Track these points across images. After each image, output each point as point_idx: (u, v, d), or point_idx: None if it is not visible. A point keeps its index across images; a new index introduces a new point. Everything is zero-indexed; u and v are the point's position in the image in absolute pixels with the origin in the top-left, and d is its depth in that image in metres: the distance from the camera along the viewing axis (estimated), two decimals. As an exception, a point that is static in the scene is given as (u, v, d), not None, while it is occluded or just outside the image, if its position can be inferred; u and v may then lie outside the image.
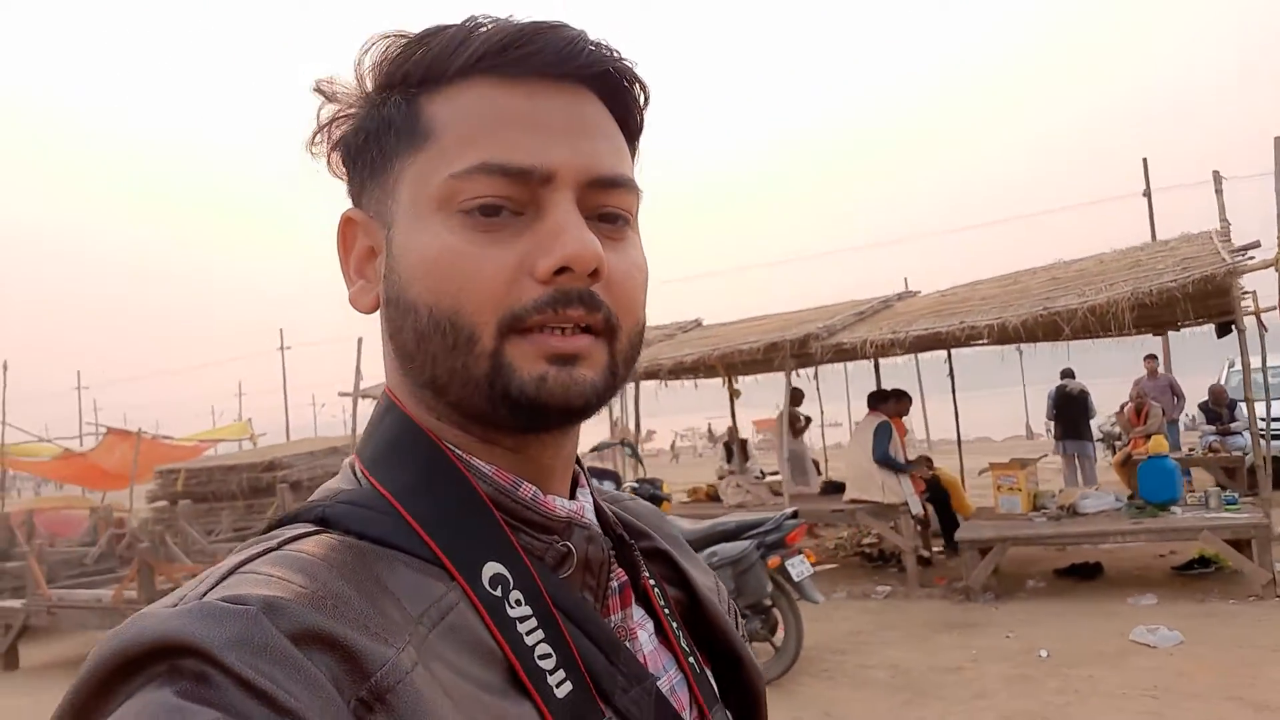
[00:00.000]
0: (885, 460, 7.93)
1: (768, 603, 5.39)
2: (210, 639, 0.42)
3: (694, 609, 0.71)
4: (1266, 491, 7.13)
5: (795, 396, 11.64)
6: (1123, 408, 12.92)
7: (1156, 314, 9.24)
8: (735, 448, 13.84)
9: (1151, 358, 12.99)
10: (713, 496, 9.45)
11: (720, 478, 12.69)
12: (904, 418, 8.74)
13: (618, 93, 0.60)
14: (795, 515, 5.55)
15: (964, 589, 7.26)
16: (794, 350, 7.92)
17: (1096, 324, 7.02)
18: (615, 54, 0.59)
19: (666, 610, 0.67)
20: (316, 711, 0.43)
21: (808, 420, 11.30)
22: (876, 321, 8.19)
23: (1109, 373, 15.18)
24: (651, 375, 9.27)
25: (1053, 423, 11.75)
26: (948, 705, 4.96)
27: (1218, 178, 8.81)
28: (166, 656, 0.43)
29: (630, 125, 0.62)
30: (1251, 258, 6.68)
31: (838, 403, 14.03)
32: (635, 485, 7.66)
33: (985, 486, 9.59)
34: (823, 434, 12.32)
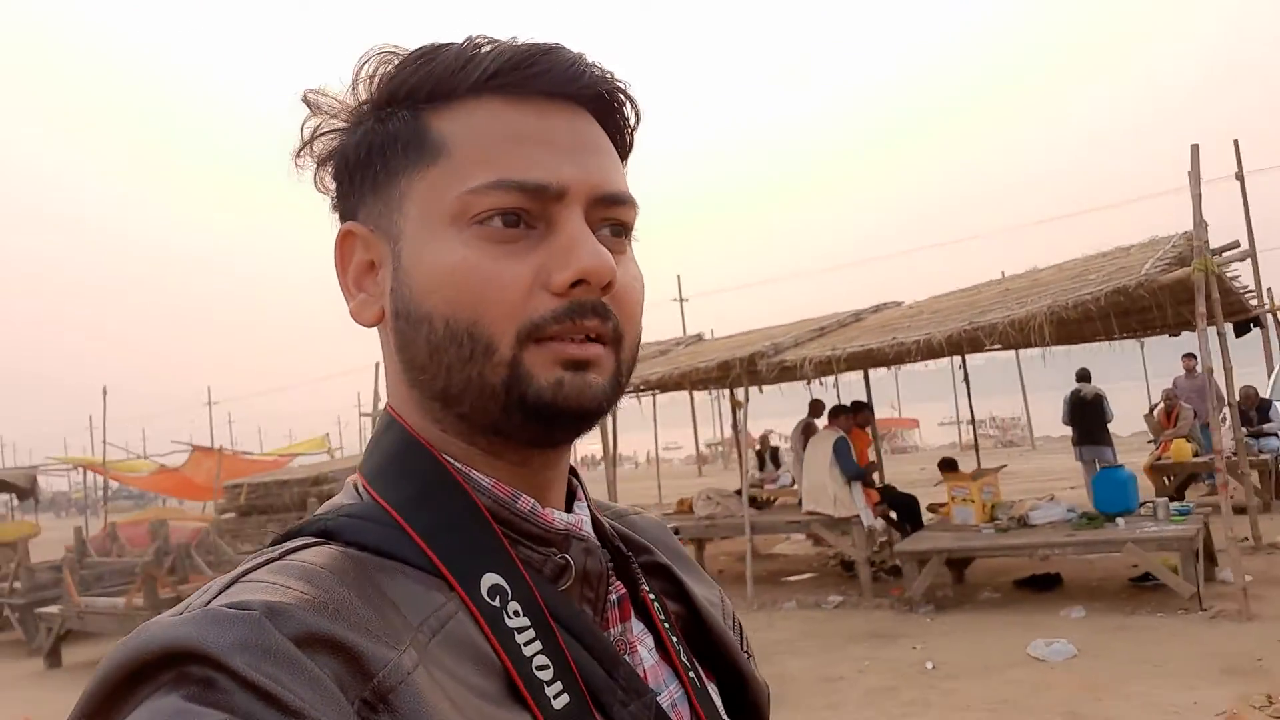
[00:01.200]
0: (858, 477, 8.08)
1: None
2: (215, 644, 0.44)
3: (695, 623, 0.72)
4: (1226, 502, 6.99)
5: (815, 408, 11.81)
6: (1153, 409, 12.53)
7: (1148, 316, 9.07)
8: (766, 456, 14.14)
9: (1190, 356, 12.52)
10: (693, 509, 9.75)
11: (753, 485, 13.04)
12: (865, 428, 8.87)
13: (612, 113, 0.63)
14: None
15: (906, 600, 7.40)
16: (747, 367, 8.18)
17: (1026, 335, 7.04)
18: (612, 75, 0.62)
19: (666, 625, 0.68)
20: (321, 711, 0.43)
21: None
22: (830, 339, 8.37)
23: (1163, 374, 14.63)
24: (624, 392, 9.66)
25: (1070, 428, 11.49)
26: (798, 713, 5.22)
27: (1193, 179, 8.60)
28: (174, 663, 0.44)
29: (621, 144, 0.65)
30: (1176, 265, 6.58)
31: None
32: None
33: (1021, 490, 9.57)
34: (875, 438, 12.41)
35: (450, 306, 0.56)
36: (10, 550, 12.35)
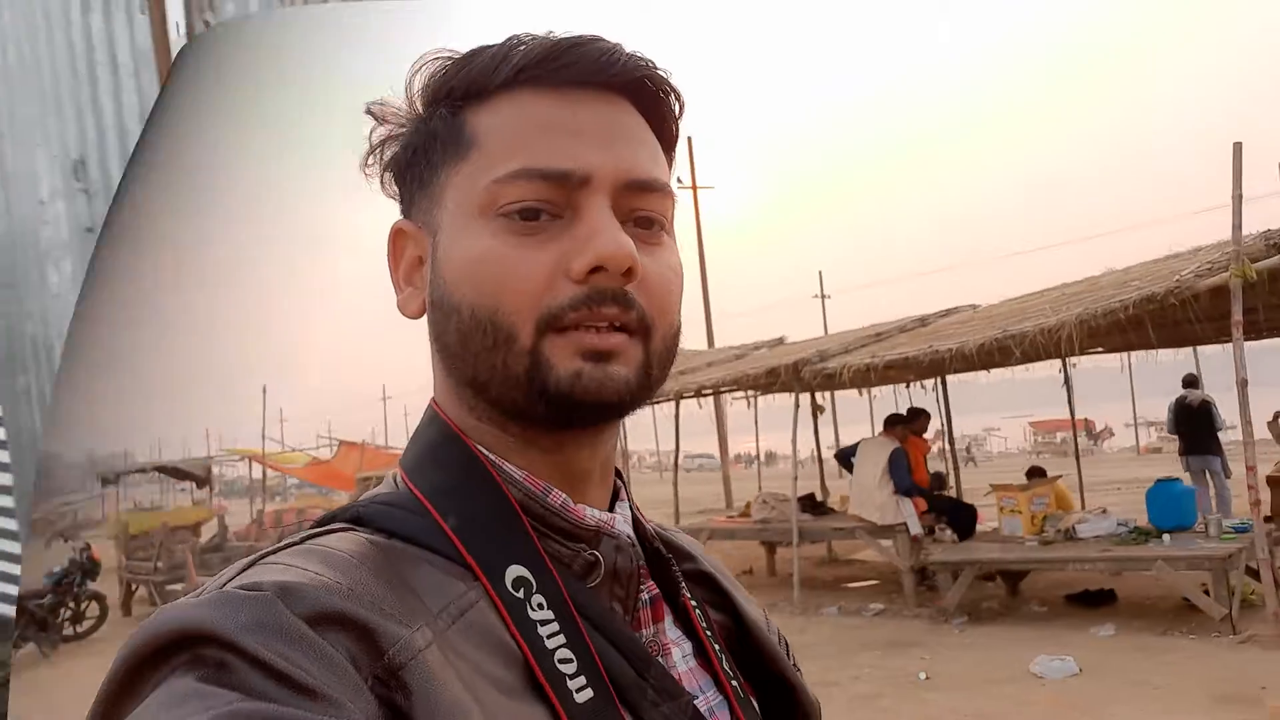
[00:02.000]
0: (910, 491, 8.07)
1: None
2: (227, 625, 0.44)
3: (740, 635, 0.71)
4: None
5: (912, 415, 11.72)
6: (1277, 416, 11.58)
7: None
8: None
9: (1327, 361, 11.56)
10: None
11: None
12: (924, 435, 8.80)
13: (653, 101, 0.63)
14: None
15: (941, 611, 7.36)
16: (794, 374, 8.31)
17: (1057, 344, 6.86)
18: (650, 64, 0.62)
19: (708, 631, 0.67)
20: (335, 688, 0.44)
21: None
22: (875, 347, 8.36)
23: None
24: (681, 397, 9.93)
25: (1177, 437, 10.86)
26: (769, 715, 5.40)
27: (1235, 179, 8.02)
28: (188, 645, 0.45)
29: (665, 133, 0.65)
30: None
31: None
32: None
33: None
34: (951, 446, 12.22)
35: (475, 295, 0.58)
36: (189, 532, 13.92)
